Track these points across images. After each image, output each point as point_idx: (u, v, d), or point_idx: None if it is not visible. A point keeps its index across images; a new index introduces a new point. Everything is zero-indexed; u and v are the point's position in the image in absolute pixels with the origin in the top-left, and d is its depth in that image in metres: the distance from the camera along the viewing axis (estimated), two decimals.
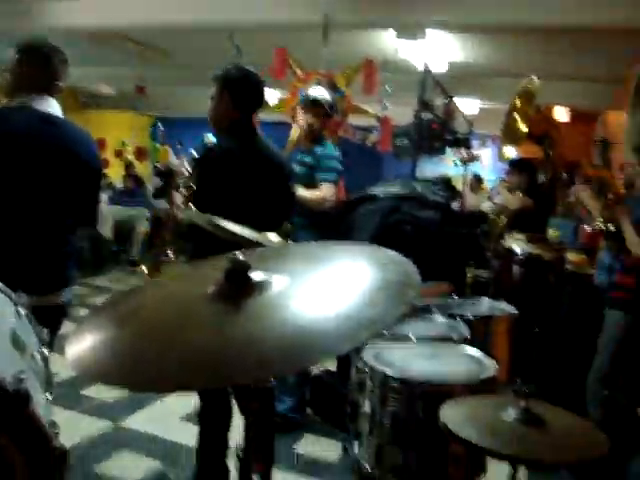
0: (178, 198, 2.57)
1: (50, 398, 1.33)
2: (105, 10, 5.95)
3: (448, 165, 6.68)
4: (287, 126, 5.09)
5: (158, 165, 3.34)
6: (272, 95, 6.27)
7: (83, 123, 2.89)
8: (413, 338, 2.31)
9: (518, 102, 4.27)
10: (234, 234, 1.79)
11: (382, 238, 3.69)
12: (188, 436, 3.10)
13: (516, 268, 4.09)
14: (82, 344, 1.03)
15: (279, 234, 2.10)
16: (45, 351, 1.39)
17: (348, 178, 3.94)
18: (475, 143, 7.19)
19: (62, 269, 2.36)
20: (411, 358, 2.13)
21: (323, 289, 1.07)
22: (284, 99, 5.69)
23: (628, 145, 3.44)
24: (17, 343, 1.26)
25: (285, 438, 3.37)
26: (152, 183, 8.31)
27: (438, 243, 3.78)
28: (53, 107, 2.32)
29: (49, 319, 1.78)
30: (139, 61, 7.97)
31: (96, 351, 1.02)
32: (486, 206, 6.21)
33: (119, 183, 9.51)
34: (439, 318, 2.65)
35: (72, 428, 3.37)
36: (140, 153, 11.97)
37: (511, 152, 4.63)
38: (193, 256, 2.60)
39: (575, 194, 3.97)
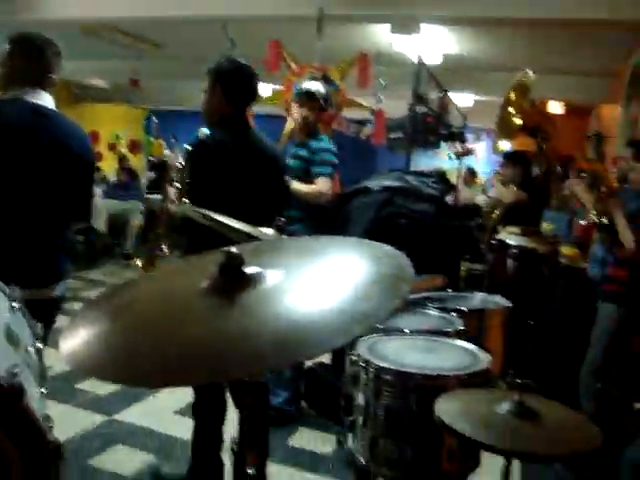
0: (172, 192, 2.56)
1: (44, 392, 1.33)
2: (97, 1, 5.91)
3: (442, 159, 6.70)
4: (281, 119, 5.08)
5: (152, 159, 3.33)
6: (266, 89, 6.25)
7: (76, 116, 2.87)
8: (407, 331, 2.31)
9: (513, 95, 4.26)
10: (228, 228, 1.79)
11: (376, 231, 3.69)
12: (183, 430, 3.11)
13: (510, 261, 4.10)
14: (76, 338, 1.03)
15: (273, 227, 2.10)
16: (39, 345, 1.39)
17: (342, 171, 3.93)
18: (469, 137, 7.19)
19: (56, 263, 2.35)
20: (405, 351, 2.13)
21: (317, 283, 1.07)
22: (278, 91, 5.67)
23: (622, 139, 3.46)
24: (11, 337, 1.26)
25: (279, 431, 3.38)
26: (146, 176, 8.31)
27: (432, 236, 3.78)
28: (46, 100, 2.31)
29: (43, 313, 1.78)
30: (132, 54, 7.92)
31: (90, 345, 1.01)
32: (480, 199, 6.24)
33: (113, 176, 9.46)
34: (433, 311, 2.65)
35: (66, 422, 3.36)
36: (134, 146, 11.95)
37: (505, 145, 4.63)
38: (187, 250, 2.60)
39: (569, 187, 3.97)
